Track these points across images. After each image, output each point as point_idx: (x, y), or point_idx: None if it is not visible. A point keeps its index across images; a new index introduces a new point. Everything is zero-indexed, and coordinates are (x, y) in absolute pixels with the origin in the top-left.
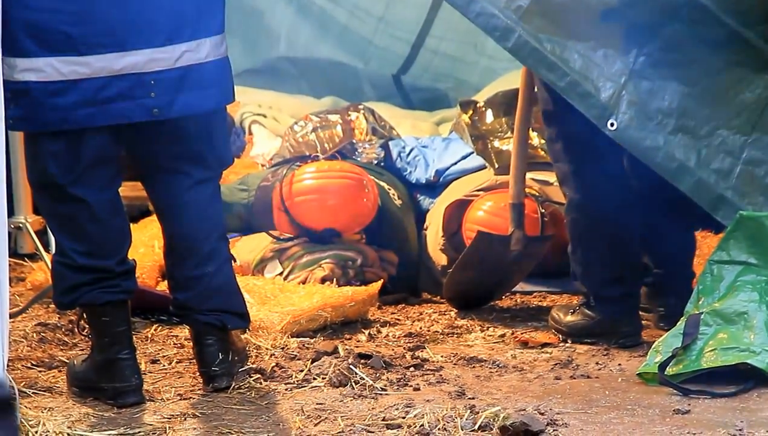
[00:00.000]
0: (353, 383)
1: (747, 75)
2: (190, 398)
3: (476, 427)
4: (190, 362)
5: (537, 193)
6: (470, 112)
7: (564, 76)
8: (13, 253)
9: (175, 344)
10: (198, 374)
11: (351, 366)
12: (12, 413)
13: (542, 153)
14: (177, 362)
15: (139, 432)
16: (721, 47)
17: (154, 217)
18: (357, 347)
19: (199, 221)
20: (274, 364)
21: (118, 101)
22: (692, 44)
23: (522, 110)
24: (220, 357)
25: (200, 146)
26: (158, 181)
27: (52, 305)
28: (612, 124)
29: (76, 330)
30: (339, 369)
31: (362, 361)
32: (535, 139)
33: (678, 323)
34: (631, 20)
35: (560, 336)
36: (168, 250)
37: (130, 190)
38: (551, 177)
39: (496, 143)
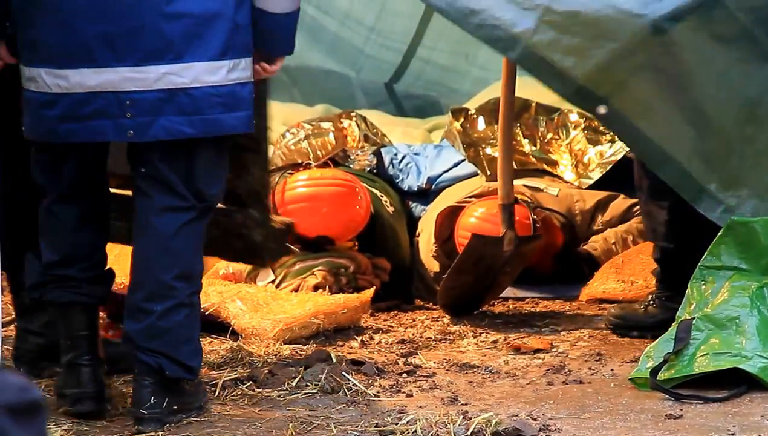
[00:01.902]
0: (346, 390)
1: (751, 71)
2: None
3: (469, 433)
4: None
5: (528, 200)
6: (462, 119)
7: (571, 84)
8: None
9: None
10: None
11: (344, 373)
12: (41, 416)
13: (533, 160)
14: None
15: None
16: (731, 44)
17: None
18: (350, 353)
19: (155, 252)
20: (266, 371)
21: (96, 119)
22: (702, 42)
23: (504, 112)
24: (152, 401)
25: (170, 173)
26: (134, 197)
27: None
28: (601, 109)
29: None
30: (332, 376)
31: (355, 368)
32: (526, 145)
33: (670, 329)
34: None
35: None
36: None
37: None
38: (542, 183)
39: (488, 150)
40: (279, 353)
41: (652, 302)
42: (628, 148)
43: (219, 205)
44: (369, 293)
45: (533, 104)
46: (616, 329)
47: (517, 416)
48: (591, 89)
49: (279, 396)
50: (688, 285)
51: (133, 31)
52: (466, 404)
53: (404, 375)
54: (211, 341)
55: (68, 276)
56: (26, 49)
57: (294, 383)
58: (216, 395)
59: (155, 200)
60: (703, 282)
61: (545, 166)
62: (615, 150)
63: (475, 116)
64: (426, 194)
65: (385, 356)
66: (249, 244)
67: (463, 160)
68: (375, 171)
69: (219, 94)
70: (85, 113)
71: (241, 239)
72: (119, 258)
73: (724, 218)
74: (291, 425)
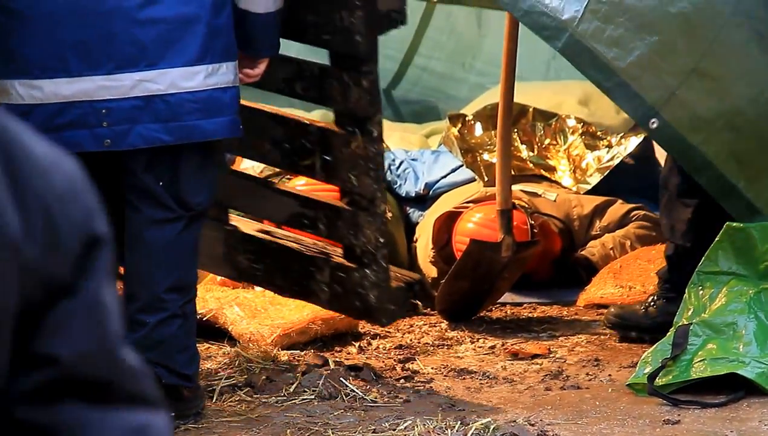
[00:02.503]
0: (343, 396)
1: None
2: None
3: None
4: None
5: (526, 205)
6: (459, 125)
7: (612, 76)
8: None
9: None
10: None
11: (341, 379)
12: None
13: (530, 165)
14: None
15: None
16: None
17: None
18: (347, 359)
19: (146, 265)
20: (264, 377)
21: (72, 129)
22: (742, 40)
23: (503, 118)
24: None
25: (155, 185)
26: (125, 209)
27: None
28: (653, 123)
29: None
30: (329, 382)
31: (352, 373)
32: (523, 151)
33: (668, 334)
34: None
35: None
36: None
37: None
38: (540, 188)
39: (486, 156)
40: (277, 358)
41: (652, 303)
42: (626, 154)
43: (341, 261)
44: None
45: (531, 110)
46: (614, 327)
47: (514, 421)
48: (632, 86)
49: (277, 402)
50: (686, 290)
51: (107, 39)
52: (463, 410)
53: (402, 381)
54: (209, 347)
55: None
56: (0, 62)
57: (292, 389)
58: (214, 400)
59: (144, 213)
60: (700, 287)
61: (543, 172)
62: (612, 155)
63: (472, 122)
64: (423, 200)
65: (383, 361)
66: (366, 304)
67: (461, 166)
68: None
69: (196, 100)
70: (60, 124)
71: (359, 298)
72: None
73: (750, 217)
74: (289, 431)
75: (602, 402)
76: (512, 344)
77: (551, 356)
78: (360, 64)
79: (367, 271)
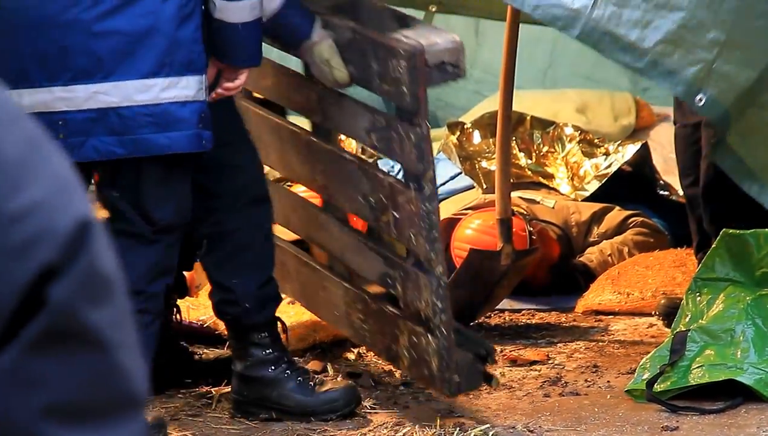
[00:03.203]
0: None
1: None
2: (180, 418)
3: None
4: (179, 384)
5: (524, 212)
6: (458, 133)
7: (641, 57)
8: None
9: None
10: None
11: None
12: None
13: (528, 173)
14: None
15: None
16: None
17: None
18: (346, 366)
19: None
20: None
21: None
22: None
23: (502, 126)
24: None
25: (118, 200)
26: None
27: None
28: (700, 100)
29: None
30: None
31: (351, 379)
32: (522, 159)
33: (665, 341)
34: None
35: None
36: None
37: None
38: (538, 195)
39: (484, 164)
40: None
41: None
42: (623, 161)
43: (412, 325)
44: None
45: (528, 118)
46: (667, 317)
47: (513, 428)
48: (665, 63)
49: None
50: (684, 297)
51: (64, 50)
52: (462, 416)
53: (401, 387)
54: (209, 354)
55: None
56: None
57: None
58: (212, 407)
59: (113, 226)
60: (698, 294)
61: (541, 179)
62: (610, 162)
63: (470, 130)
64: None
65: (382, 368)
66: (431, 372)
67: (459, 173)
68: None
69: (150, 114)
70: None
71: (426, 366)
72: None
73: None
74: None
75: (601, 408)
76: (511, 351)
77: (550, 362)
78: (409, 117)
79: (430, 336)
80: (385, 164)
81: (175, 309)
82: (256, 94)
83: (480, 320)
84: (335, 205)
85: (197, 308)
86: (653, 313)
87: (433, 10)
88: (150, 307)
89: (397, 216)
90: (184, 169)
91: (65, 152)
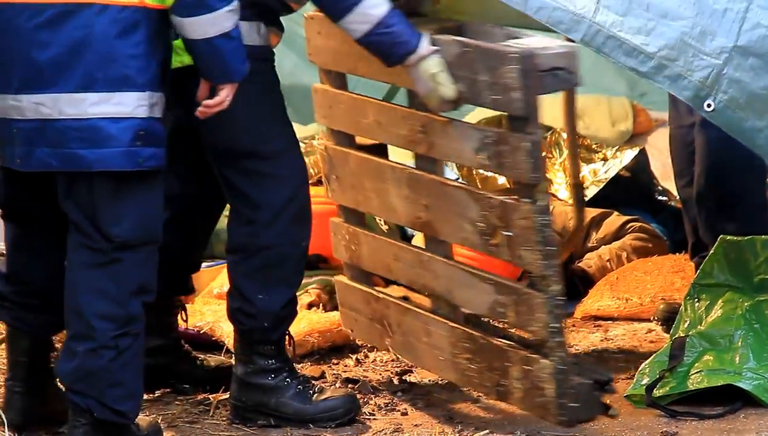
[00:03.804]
0: None
1: None
2: (178, 425)
3: None
4: (176, 390)
5: None
6: None
7: (647, 60)
8: None
9: None
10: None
11: None
12: None
13: None
14: (163, 391)
15: None
16: None
17: None
18: (344, 372)
19: (74, 291)
20: None
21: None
22: None
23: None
24: None
25: (75, 212)
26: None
27: None
28: (709, 106)
29: None
30: None
31: (350, 386)
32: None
33: (664, 346)
34: None
35: None
36: None
37: None
38: None
39: (481, 169)
40: None
41: None
42: (621, 167)
43: (525, 351)
44: None
45: None
46: (665, 322)
47: (513, 434)
48: (672, 67)
49: None
50: (682, 302)
51: (12, 59)
52: (461, 423)
53: (399, 393)
54: (206, 360)
55: (2, 295)
56: None
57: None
58: (210, 414)
59: (73, 236)
60: (696, 299)
61: None
62: (608, 168)
63: None
64: None
65: (380, 374)
66: (544, 399)
67: (457, 179)
68: None
69: (78, 129)
70: None
71: (540, 393)
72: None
73: None
74: None
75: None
76: None
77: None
78: (521, 125)
79: (545, 361)
80: None
81: (180, 310)
82: (358, 139)
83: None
84: (440, 241)
85: (194, 315)
86: (652, 318)
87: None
88: (130, 329)
89: (510, 235)
90: (147, 186)
91: (19, 160)
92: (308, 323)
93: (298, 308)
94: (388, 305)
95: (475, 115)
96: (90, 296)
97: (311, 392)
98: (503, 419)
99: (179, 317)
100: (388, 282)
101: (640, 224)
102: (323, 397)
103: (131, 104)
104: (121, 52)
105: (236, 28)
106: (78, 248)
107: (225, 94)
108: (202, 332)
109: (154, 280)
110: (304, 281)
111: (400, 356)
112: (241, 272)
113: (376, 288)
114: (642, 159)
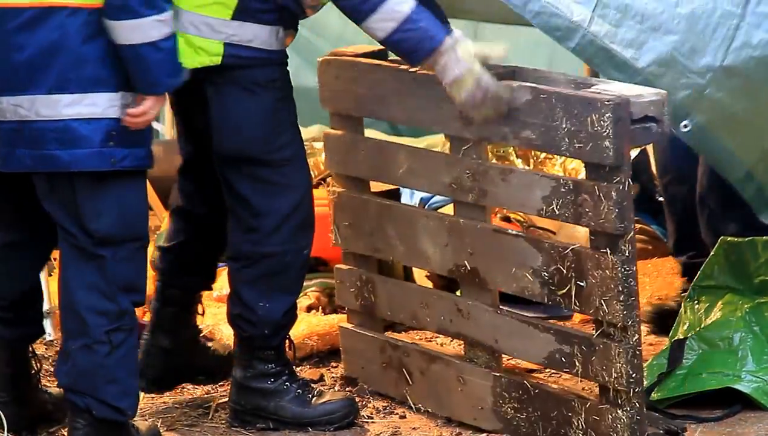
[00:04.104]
0: None
1: None
2: (177, 428)
3: None
4: (177, 391)
5: (521, 219)
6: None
7: (635, 75)
8: None
9: None
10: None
11: None
12: None
13: None
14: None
15: None
16: None
17: None
18: (343, 374)
19: (66, 287)
20: None
21: None
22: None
23: None
24: None
25: (57, 211)
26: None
27: None
28: (686, 126)
29: None
30: None
31: (348, 389)
32: (520, 166)
33: (663, 349)
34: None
35: None
36: None
37: None
38: None
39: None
40: None
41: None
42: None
43: (595, 402)
44: None
45: None
46: (652, 323)
47: None
48: (657, 85)
49: None
50: (682, 304)
51: None
52: (459, 426)
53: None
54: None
55: None
56: None
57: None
58: (210, 417)
59: (61, 236)
60: (696, 302)
61: None
62: None
63: None
64: None
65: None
66: None
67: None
68: None
69: (53, 130)
70: None
71: None
72: None
73: None
74: None
75: None
76: (508, 359)
77: (547, 370)
78: (609, 174)
79: (620, 412)
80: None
81: (199, 304)
82: (374, 186)
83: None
84: (485, 289)
85: None
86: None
87: None
88: (122, 325)
89: (583, 285)
90: (126, 184)
91: (1, 160)
92: (307, 325)
93: (297, 311)
94: (408, 352)
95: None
96: (82, 291)
97: (310, 395)
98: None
99: (197, 309)
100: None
101: (640, 225)
102: (322, 400)
103: (103, 105)
104: (92, 54)
105: (167, 40)
106: (66, 247)
107: (147, 106)
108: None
109: (143, 281)
110: (303, 284)
111: (422, 406)
112: (242, 280)
113: (392, 335)
114: (642, 160)
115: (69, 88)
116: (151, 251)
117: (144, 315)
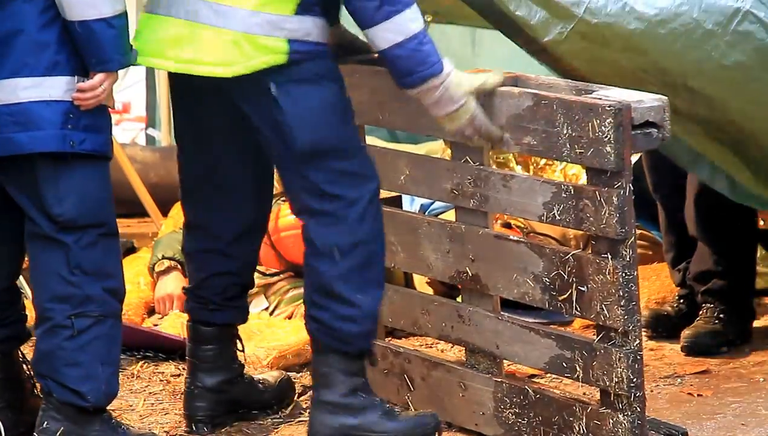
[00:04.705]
0: None
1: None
2: (177, 435)
3: None
4: (177, 399)
5: (522, 225)
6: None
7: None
8: None
9: (161, 380)
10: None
11: None
12: None
13: None
14: (163, 399)
15: None
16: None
17: (139, 254)
18: None
19: (35, 278)
20: None
21: None
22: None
23: None
24: (44, 425)
25: (20, 196)
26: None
27: None
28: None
29: None
30: None
31: None
32: (519, 172)
33: None
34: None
35: None
36: None
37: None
38: None
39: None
40: None
41: (681, 301)
42: None
43: (596, 406)
44: None
45: None
46: (649, 328)
47: None
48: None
49: (272, 424)
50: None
51: None
52: (459, 431)
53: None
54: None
55: None
56: None
57: (288, 411)
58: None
59: (26, 227)
60: None
61: None
62: None
63: None
64: None
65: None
66: None
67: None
68: None
69: (11, 113)
70: None
71: None
72: None
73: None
74: None
75: None
76: (509, 365)
77: (548, 375)
78: (610, 179)
79: (621, 416)
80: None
81: (237, 340)
82: (385, 193)
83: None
84: (486, 295)
85: None
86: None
87: (429, 20)
88: (87, 311)
89: (584, 290)
90: (88, 169)
91: None
92: (305, 333)
93: (298, 317)
94: (410, 359)
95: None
96: (45, 278)
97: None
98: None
99: (236, 344)
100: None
101: (640, 231)
102: (411, 414)
103: (61, 88)
104: (50, 40)
105: (119, 17)
106: (32, 238)
107: (98, 81)
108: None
109: (113, 267)
110: (301, 291)
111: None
112: (335, 276)
113: (393, 342)
114: (641, 166)
115: (24, 72)
116: (149, 256)
117: (143, 321)
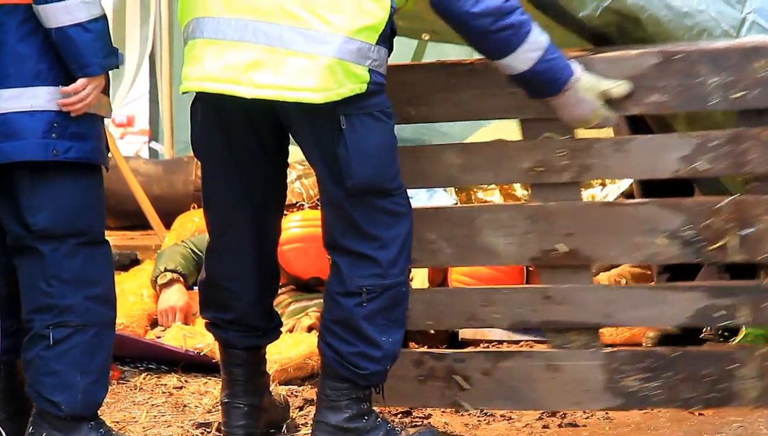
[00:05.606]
0: None
1: None
2: None
3: None
4: (179, 411)
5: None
6: None
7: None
8: None
9: (163, 392)
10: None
11: None
12: None
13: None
14: (166, 411)
15: None
16: None
17: (143, 265)
18: None
19: (19, 282)
20: None
21: None
22: None
23: None
24: (30, 430)
25: (2, 204)
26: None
27: None
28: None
29: None
30: None
31: None
32: (518, 189)
33: None
34: None
35: None
36: None
37: (120, 239)
38: None
39: (480, 194)
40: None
41: None
42: (619, 193)
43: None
44: None
45: None
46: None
47: None
48: None
49: None
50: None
51: None
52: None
53: (399, 416)
54: (206, 382)
55: None
56: None
57: (284, 427)
58: (211, 435)
59: (8, 239)
60: None
61: None
62: (606, 193)
63: None
64: None
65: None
66: None
67: (456, 204)
68: None
69: (11, 122)
70: None
71: None
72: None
73: None
74: None
75: None
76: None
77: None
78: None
79: None
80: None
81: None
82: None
83: (474, 348)
84: (582, 268)
85: (194, 336)
86: (643, 344)
87: (426, 38)
88: (66, 321)
89: (747, 233)
90: (68, 178)
91: None
92: (308, 345)
93: (299, 330)
94: (463, 358)
95: (474, 139)
96: (26, 289)
97: (397, 428)
98: None
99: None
100: None
101: None
102: (413, 432)
103: (44, 97)
104: (31, 50)
105: (95, 21)
106: (13, 249)
107: (81, 85)
108: (202, 353)
109: (98, 275)
110: (303, 304)
111: (485, 409)
112: (361, 315)
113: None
114: None
115: (9, 84)
116: (152, 269)
117: (146, 333)
